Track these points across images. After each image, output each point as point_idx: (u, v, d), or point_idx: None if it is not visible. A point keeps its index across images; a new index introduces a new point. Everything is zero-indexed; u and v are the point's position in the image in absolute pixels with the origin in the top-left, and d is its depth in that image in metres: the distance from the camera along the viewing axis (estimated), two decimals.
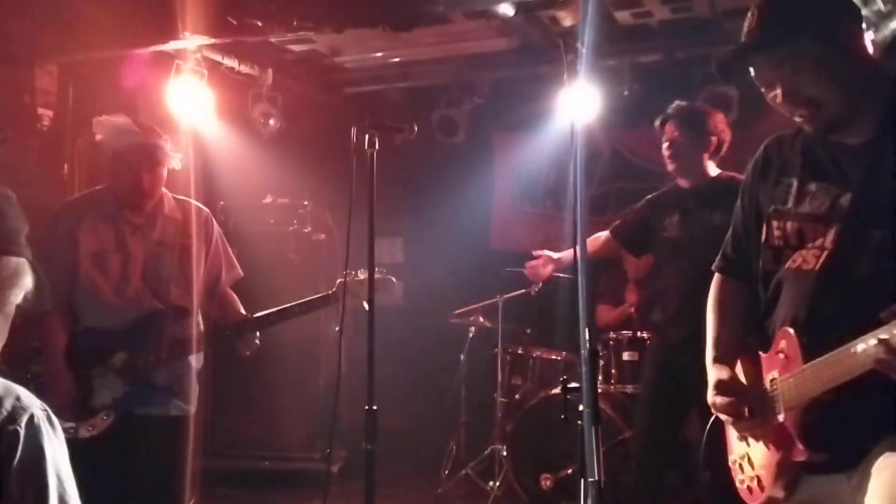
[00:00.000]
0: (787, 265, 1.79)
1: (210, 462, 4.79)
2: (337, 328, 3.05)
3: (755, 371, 1.88)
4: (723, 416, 1.90)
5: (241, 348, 3.12)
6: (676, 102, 3.74)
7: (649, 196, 3.85)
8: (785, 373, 1.75)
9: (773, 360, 1.81)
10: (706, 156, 3.61)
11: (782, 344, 1.77)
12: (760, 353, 1.86)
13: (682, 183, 3.68)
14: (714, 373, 1.94)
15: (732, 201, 3.54)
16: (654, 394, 3.71)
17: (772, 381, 1.80)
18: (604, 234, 3.96)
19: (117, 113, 3.00)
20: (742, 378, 1.93)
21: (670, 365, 3.55)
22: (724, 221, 3.46)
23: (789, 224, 1.80)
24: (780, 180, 1.86)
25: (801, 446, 1.70)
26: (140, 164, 2.94)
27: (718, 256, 2.09)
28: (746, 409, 1.85)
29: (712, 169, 3.64)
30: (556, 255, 3.99)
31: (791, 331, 1.73)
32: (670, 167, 3.66)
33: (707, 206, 3.47)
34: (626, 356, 4.59)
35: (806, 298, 1.73)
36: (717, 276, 2.11)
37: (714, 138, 3.60)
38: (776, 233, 1.83)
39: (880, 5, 3.09)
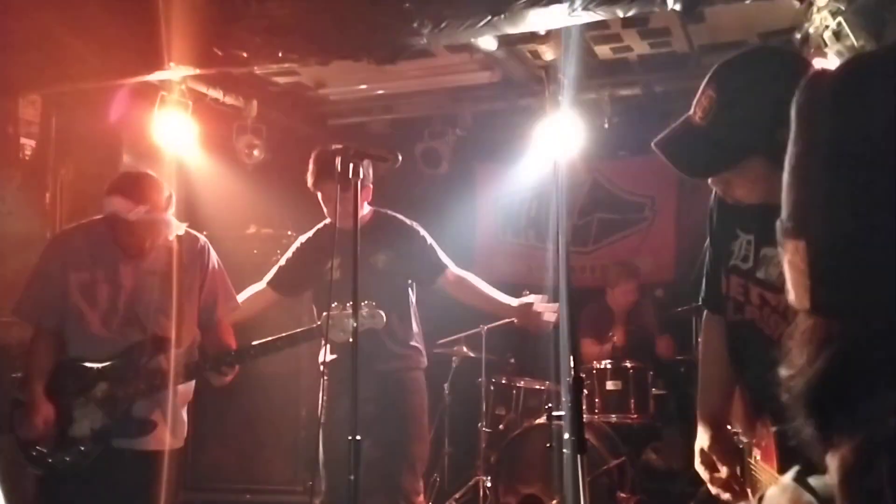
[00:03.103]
0: (750, 319, 1.77)
1: (190, 496, 4.70)
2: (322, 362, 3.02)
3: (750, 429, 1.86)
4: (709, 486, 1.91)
5: (212, 379, 3.05)
6: (333, 147, 3.23)
7: (303, 239, 3.67)
8: (763, 462, 1.75)
9: (759, 441, 1.79)
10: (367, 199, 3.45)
11: (765, 435, 1.75)
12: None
13: (342, 224, 3.24)
14: (699, 436, 1.92)
15: (391, 241, 3.36)
16: None
17: (756, 460, 1.79)
18: (259, 289, 3.63)
19: (130, 197, 2.88)
20: (736, 426, 1.90)
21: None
22: (385, 265, 3.32)
23: (752, 287, 1.76)
24: (738, 233, 1.81)
25: None
26: (144, 237, 2.94)
27: (703, 291, 2.00)
28: (730, 483, 1.85)
29: (365, 206, 3.48)
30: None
31: (773, 430, 1.70)
32: (331, 217, 3.44)
33: (370, 248, 3.26)
34: (609, 385, 4.61)
35: (773, 381, 1.71)
36: (705, 312, 2.03)
37: (371, 185, 3.44)
38: (738, 289, 1.80)
39: (853, 40, 3.15)
